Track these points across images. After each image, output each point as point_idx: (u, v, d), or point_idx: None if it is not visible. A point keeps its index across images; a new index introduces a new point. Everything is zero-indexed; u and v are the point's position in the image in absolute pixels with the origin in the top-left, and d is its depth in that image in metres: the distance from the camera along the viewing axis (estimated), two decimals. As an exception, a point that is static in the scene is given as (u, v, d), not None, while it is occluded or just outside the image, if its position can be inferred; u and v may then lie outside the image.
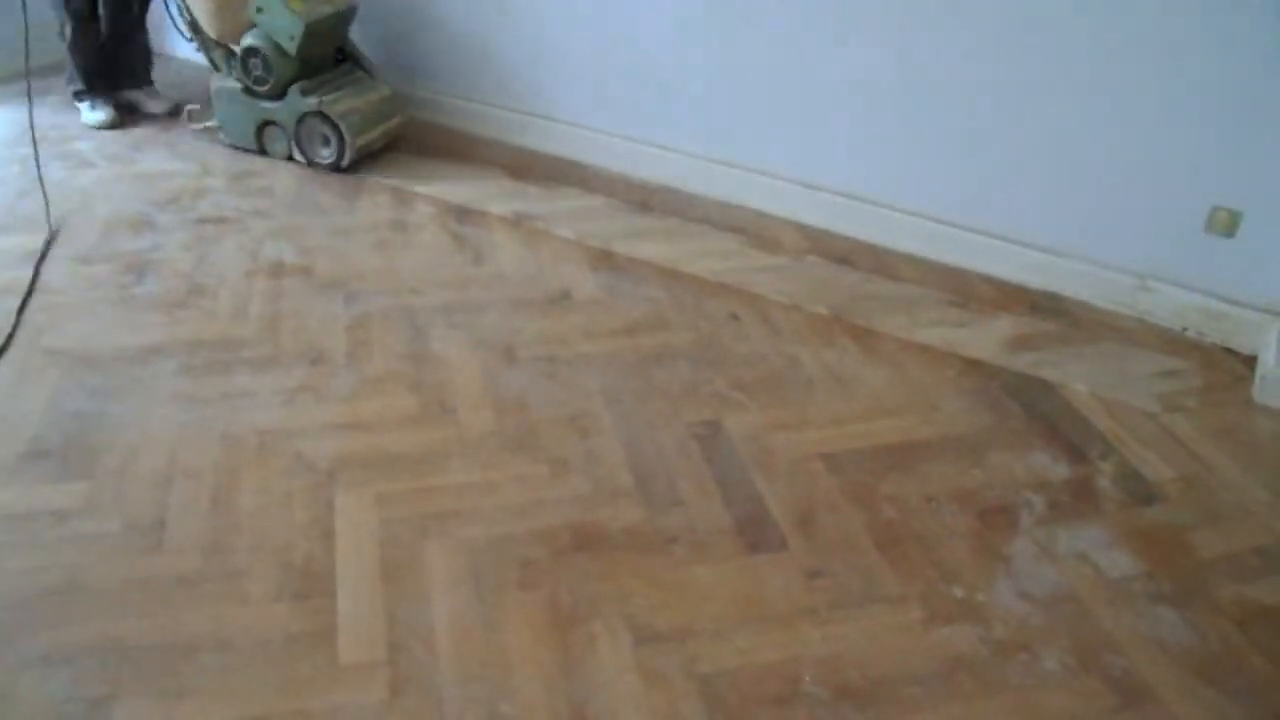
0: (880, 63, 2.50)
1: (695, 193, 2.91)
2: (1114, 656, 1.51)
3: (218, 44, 2.94)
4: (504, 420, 1.95)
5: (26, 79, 2.86)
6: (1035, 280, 2.50)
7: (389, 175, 2.96)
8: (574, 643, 1.49)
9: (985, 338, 2.29)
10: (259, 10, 2.78)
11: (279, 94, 2.88)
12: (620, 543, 1.67)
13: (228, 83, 2.97)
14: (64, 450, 1.83)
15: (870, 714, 1.40)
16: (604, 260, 2.55)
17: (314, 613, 1.52)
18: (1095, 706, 1.43)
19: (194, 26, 2.95)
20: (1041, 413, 2.05)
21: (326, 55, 2.98)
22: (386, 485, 1.77)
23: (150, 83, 3.43)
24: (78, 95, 3.29)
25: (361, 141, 2.91)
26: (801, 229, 2.75)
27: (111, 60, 3.28)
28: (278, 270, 2.44)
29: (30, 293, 2.30)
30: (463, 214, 2.76)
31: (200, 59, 3.11)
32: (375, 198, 2.84)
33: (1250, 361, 2.23)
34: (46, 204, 2.66)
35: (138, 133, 3.17)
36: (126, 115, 3.31)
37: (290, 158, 3.00)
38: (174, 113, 3.31)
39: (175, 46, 3.73)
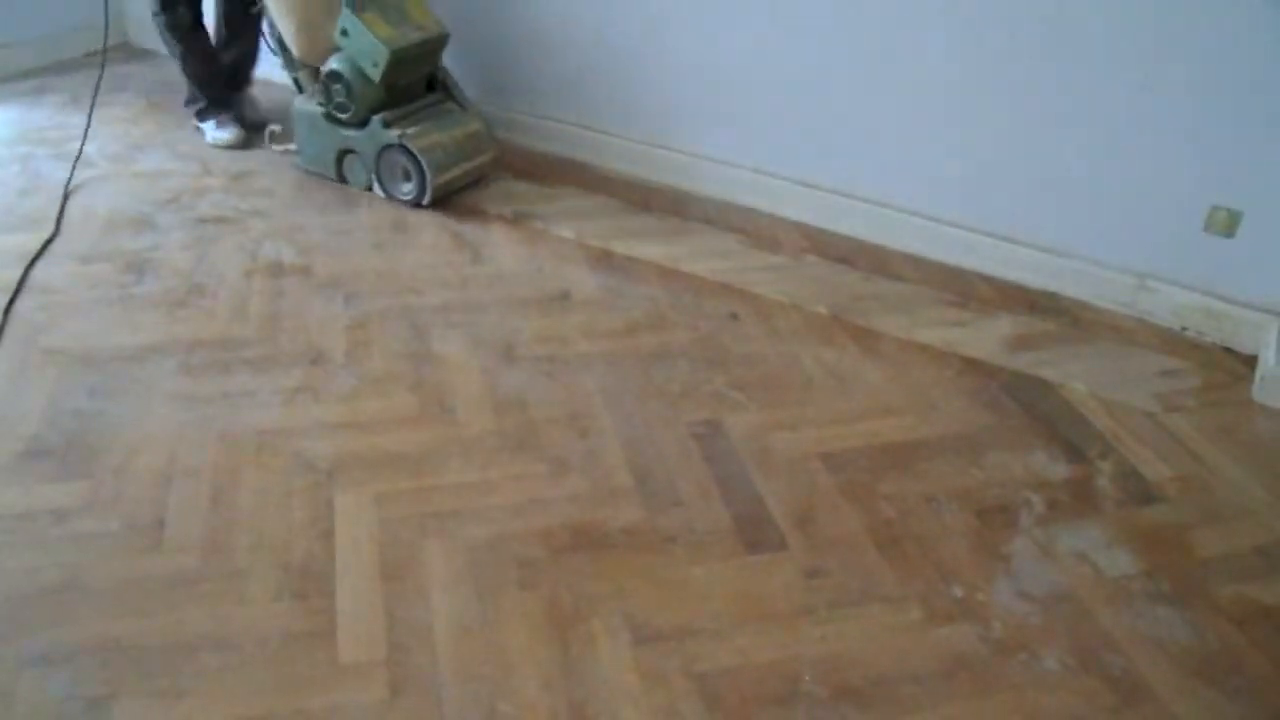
0: (880, 63, 2.51)
1: (693, 192, 2.92)
2: (1113, 656, 1.51)
3: (303, 64, 2.82)
4: (503, 420, 1.95)
5: (97, 83, 2.87)
6: (1035, 280, 2.50)
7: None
8: (573, 642, 1.49)
9: (985, 337, 2.29)
10: (343, 33, 2.61)
11: (361, 123, 2.72)
12: (619, 542, 1.68)
13: (309, 106, 2.82)
14: (63, 449, 1.83)
15: (870, 713, 1.40)
16: (603, 260, 2.55)
17: (313, 612, 1.52)
18: (1095, 706, 1.43)
19: (280, 43, 2.83)
20: (1041, 412, 2.05)
21: (415, 84, 2.80)
22: (386, 485, 1.77)
23: (249, 85, 3.26)
24: (200, 115, 3.13)
25: (443, 179, 2.72)
26: (801, 228, 2.75)
27: (224, 66, 3.13)
28: (277, 270, 2.44)
29: (18, 290, 2.29)
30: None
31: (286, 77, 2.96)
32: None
33: (1250, 361, 2.23)
34: (64, 202, 2.68)
35: (138, 132, 3.17)
36: (254, 134, 3.13)
37: (370, 189, 2.84)
38: (257, 127, 3.15)
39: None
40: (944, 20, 2.38)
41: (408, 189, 2.75)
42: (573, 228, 2.68)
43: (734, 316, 2.32)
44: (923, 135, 2.52)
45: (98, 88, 3.09)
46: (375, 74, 2.62)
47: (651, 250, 2.58)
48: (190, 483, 1.76)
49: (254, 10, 2.92)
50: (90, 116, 3.05)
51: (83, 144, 2.97)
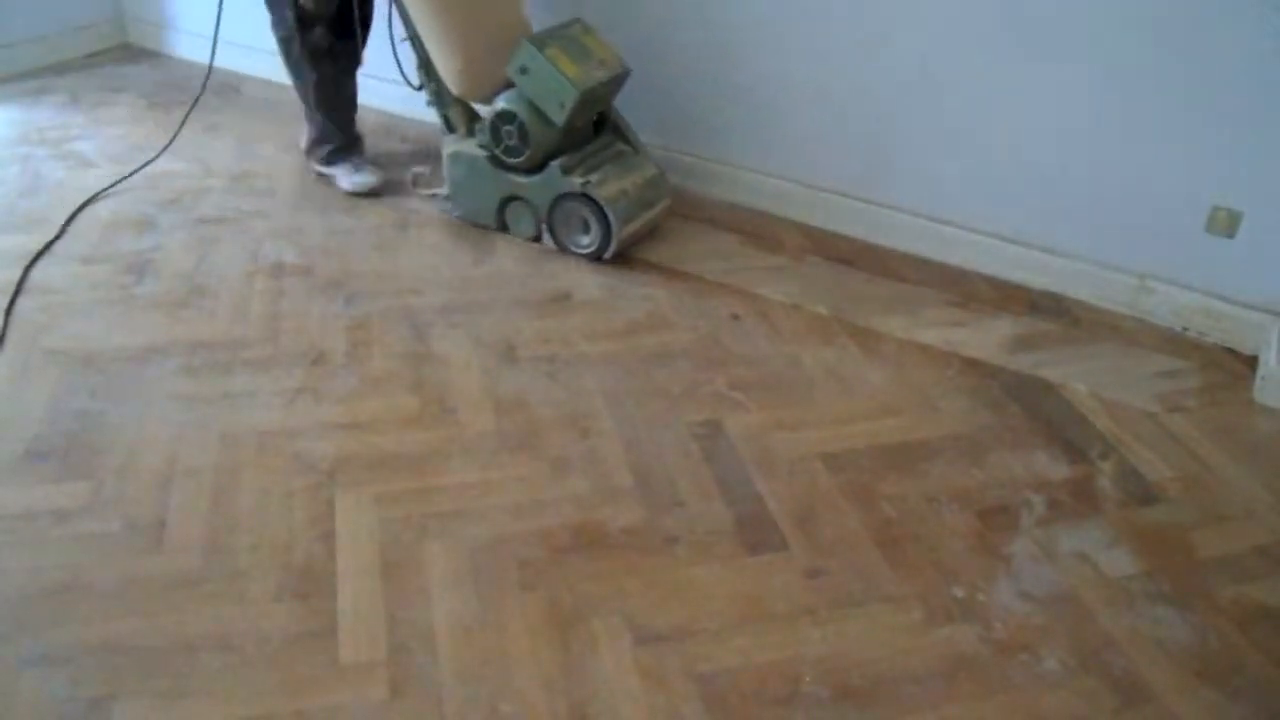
0: (880, 63, 2.50)
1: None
2: (1114, 656, 1.51)
3: (456, 101, 2.58)
4: (504, 420, 1.95)
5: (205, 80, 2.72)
6: (1035, 280, 2.50)
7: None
8: (574, 642, 1.49)
9: (985, 338, 2.29)
10: (523, 71, 2.35)
11: (534, 168, 2.46)
12: (620, 543, 1.68)
13: (467, 148, 2.54)
14: (64, 450, 1.83)
15: (870, 714, 1.40)
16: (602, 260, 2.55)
17: (314, 612, 1.52)
18: (1095, 706, 1.43)
19: (429, 75, 2.56)
20: (1041, 413, 2.05)
21: (588, 124, 2.56)
22: (387, 485, 1.78)
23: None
24: (329, 159, 2.81)
25: (628, 231, 2.46)
26: (802, 229, 2.74)
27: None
28: (278, 270, 2.45)
29: (19, 291, 2.29)
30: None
31: (407, 110, 2.76)
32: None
33: (1251, 361, 2.23)
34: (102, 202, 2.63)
35: (138, 133, 3.17)
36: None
37: (537, 239, 2.57)
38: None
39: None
40: (941, 21, 2.38)
41: (586, 241, 2.49)
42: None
43: (735, 317, 2.32)
44: (923, 136, 2.52)
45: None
46: (560, 116, 2.36)
47: (651, 251, 2.58)
48: (191, 483, 1.76)
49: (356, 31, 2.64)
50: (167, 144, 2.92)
51: (154, 159, 2.88)
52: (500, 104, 2.42)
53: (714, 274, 2.49)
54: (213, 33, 2.73)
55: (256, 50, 3.56)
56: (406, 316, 2.27)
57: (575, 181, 2.40)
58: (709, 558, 1.65)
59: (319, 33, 2.61)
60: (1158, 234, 2.32)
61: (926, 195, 2.56)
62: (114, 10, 3.89)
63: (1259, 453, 1.97)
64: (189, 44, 3.76)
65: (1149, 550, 1.71)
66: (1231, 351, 2.28)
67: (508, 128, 2.42)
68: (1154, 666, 1.49)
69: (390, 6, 2.58)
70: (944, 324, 2.33)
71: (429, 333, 2.22)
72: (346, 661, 1.44)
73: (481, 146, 2.51)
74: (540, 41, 2.36)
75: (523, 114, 2.39)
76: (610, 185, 2.43)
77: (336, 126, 2.79)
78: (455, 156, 2.57)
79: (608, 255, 2.47)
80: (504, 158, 2.47)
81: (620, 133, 2.63)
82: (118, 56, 3.84)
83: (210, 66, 2.83)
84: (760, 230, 2.72)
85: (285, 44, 2.66)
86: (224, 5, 2.65)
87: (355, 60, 2.76)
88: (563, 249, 2.53)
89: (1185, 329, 2.34)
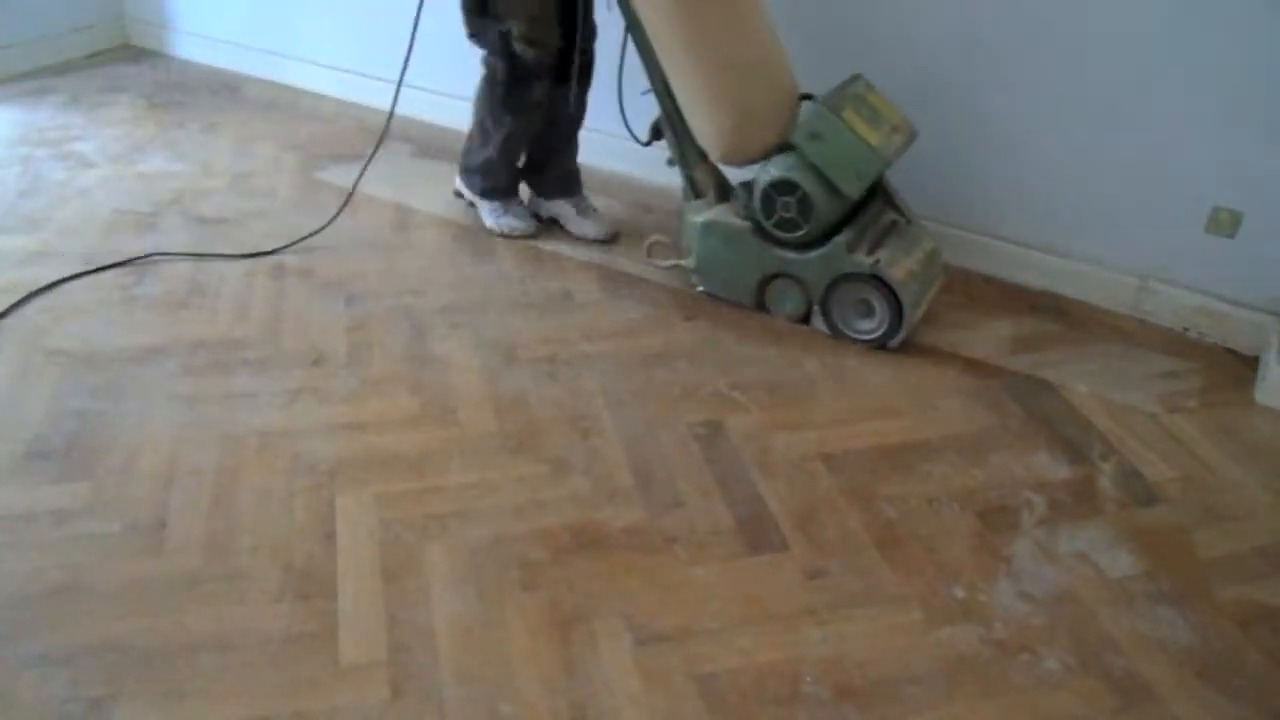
0: (878, 63, 2.50)
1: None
2: (1115, 657, 1.50)
3: (703, 161, 2.30)
4: (505, 421, 1.95)
5: (398, 85, 2.47)
6: (1035, 280, 2.50)
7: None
8: (574, 643, 1.49)
9: (985, 338, 2.28)
10: (813, 136, 2.08)
11: (812, 244, 2.17)
12: (621, 543, 1.68)
13: (723, 217, 2.26)
14: (65, 450, 1.83)
15: (871, 714, 1.40)
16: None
17: (315, 613, 1.52)
18: (1096, 707, 1.43)
19: (677, 134, 2.29)
20: (1042, 413, 2.05)
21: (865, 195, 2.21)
22: (387, 486, 1.77)
23: (581, 193, 2.68)
24: (487, 194, 2.64)
25: (917, 315, 2.21)
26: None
27: (540, 164, 2.64)
28: (279, 271, 2.44)
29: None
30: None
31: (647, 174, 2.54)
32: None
33: (1252, 362, 2.23)
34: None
35: (139, 133, 3.17)
36: (544, 226, 2.68)
37: (803, 321, 2.28)
38: (608, 240, 2.62)
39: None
40: (943, 19, 2.38)
41: (868, 327, 2.20)
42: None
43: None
44: (922, 136, 2.52)
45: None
46: (855, 188, 2.10)
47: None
48: (192, 484, 1.76)
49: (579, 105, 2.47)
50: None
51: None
52: (775, 172, 2.13)
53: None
54: (396, 80, 2.48)
55: (256, 50, 3.58)
56: (407, 317, 2.27)
57: (864, 260, 2.11)
58: (709, 558, 1.65)
59: (537, 91, 2.39)
60: (1159, 235, 2.32)
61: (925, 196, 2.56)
62: (114, 10, 3.90)
63: (1259, 453, 1.97)
64: (189, 44, 3.77)
65: (1149, 551, 1.71)
66: (1232, 352, 2.28)
67: (785, 199, 2.13)
68: (1155, 667, 1.49)
69: (622, 56, 2.34)
70: (945, 325, 2.32)
71: (429, 333, 2.22)
72: (347, 662, 1.44)
73: (745, 217, 2.24)
74: (833, 104, 2.11)
75: (806, 184, 2.10)
76: (900, 265, 2.15)
77: (507, 174, 2.62)
78: (710, 227, 2.28)
79: (894, 344, 2.19)
80: (776, 231, 2.19)
81: (889, 199, 2.32)
82: (118, 57, 3.84)
83: (391, 113, 2.57)
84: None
85: (489, 86, 2.44)
86: (410, 55, 2.41)
87: (575, 120, 2.55)
88: (835, 334, 2.25)
89: (1186, 329, 2.34)
